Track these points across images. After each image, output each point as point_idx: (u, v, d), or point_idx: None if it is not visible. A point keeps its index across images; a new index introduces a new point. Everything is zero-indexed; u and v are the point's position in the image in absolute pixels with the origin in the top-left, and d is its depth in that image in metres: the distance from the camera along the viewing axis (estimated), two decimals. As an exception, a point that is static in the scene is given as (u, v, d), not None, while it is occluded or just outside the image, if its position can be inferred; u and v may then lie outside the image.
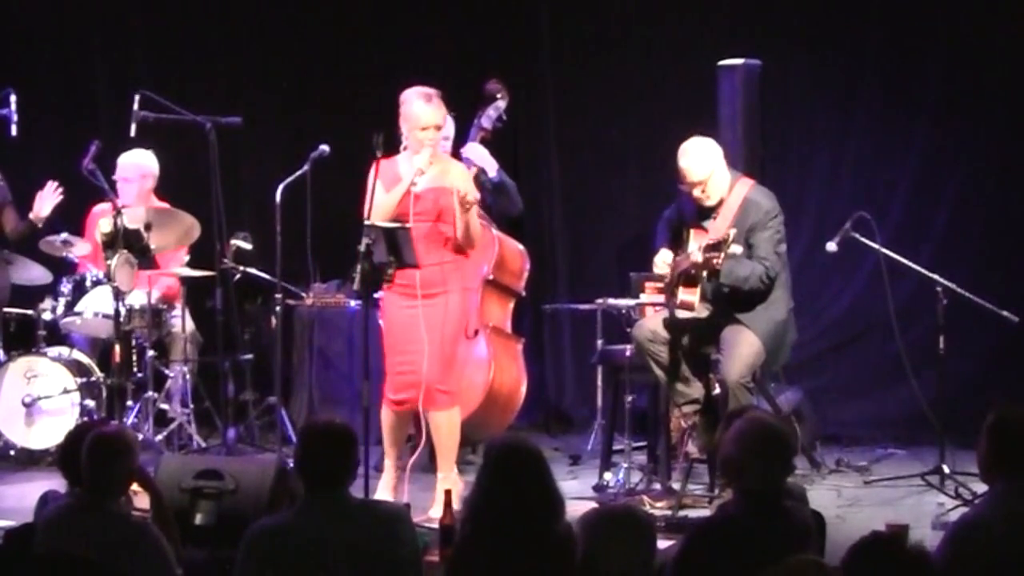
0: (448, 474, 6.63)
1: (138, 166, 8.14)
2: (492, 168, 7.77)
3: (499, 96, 7.86)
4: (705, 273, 6.57)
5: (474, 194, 6.57)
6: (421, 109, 6.55)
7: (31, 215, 7.99)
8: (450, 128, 7.67)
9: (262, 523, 4.44)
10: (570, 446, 8.36)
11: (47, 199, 7.97)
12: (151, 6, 9.60)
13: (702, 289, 6.66)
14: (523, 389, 7.71)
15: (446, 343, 6.60)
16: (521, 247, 7.86)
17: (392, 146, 6.76)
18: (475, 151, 7.76)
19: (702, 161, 6.79)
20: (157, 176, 8.25)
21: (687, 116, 7.33)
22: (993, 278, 8.20)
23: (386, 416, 6.68)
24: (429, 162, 6.53)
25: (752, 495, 4.27)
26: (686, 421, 6.93)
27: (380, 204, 6.52)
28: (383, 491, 6.66)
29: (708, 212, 6.85)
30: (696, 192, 6.80)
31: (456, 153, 7.72)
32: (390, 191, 6.53)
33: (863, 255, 7.76)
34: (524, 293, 7.93)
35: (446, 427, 6.64)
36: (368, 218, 6.47)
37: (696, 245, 6.62)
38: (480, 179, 7.79)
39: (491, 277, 7.63)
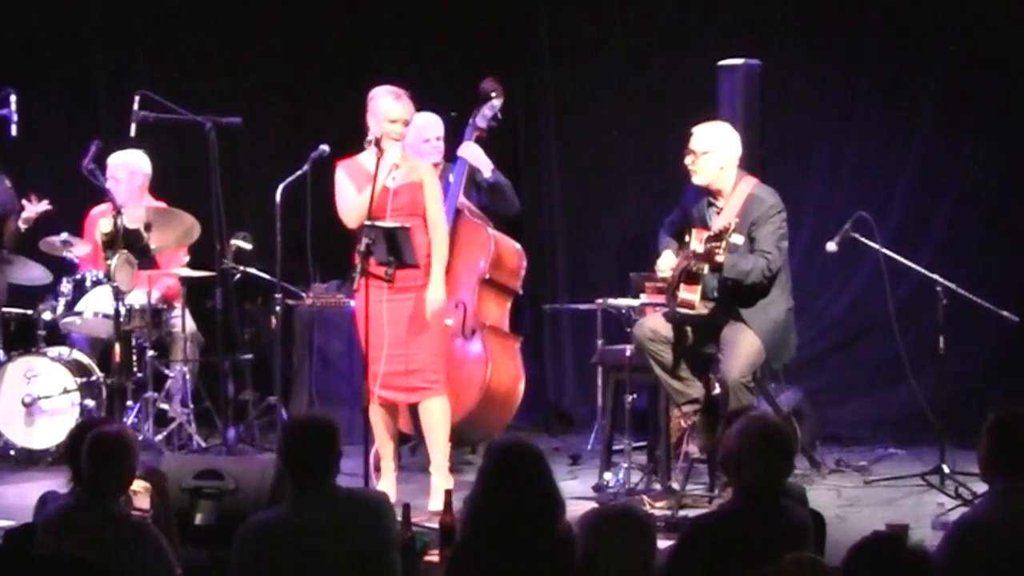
0: (439, 468, 6.67)
1: (125, 164, 8.14)
2: (487, 168, 7.77)
3: (494, 95, 7.84)
4: (707, 267, 6.57)
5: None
6: (389, 104, 6.65)
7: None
8: (439, 128, 7.68)
9: (255, 518, 4.50)
10: (570, 446, 8.36)
11: (32, 210, 7.97)
12: (151, 6, 9.60)
13: (703, 287, 6.66)
14: (521, 387, 7.70)
15: (429, 334, 6.62)
16: (518, 246, 7.84)
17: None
18: (470, 151, 7.75)
19: (709, 137, 6.85)
20: (148, 174, 8.24)
21: (687, 116, 7.31)
22: (993, 278, 8.20)
23: (375, 412, 6.71)
24: (402, 156, 6.59)
25: (751, 492, 4.28)
26: (686, 421, 6.93)
27: (354, 204, 6.57)
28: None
29: (712, 207, 6.86)
30: (687, 159, 6.85)
31: (451, 153, 7.73)
32: (362, 190, 6.56)
33: (863, 255, 7.76)
34: (521, 291, 7.91)
35: (435, 416, 6.69)
36: (340, 218, 6.54)
37: (698, 241, 6.62)
38: (476, 179, 7.80)
39: (488, 276, 7.62)
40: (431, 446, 6.73)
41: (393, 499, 6.47)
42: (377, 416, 6.73)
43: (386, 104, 6.64)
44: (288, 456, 4.49)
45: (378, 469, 6.83)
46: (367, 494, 4.69)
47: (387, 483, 6.73)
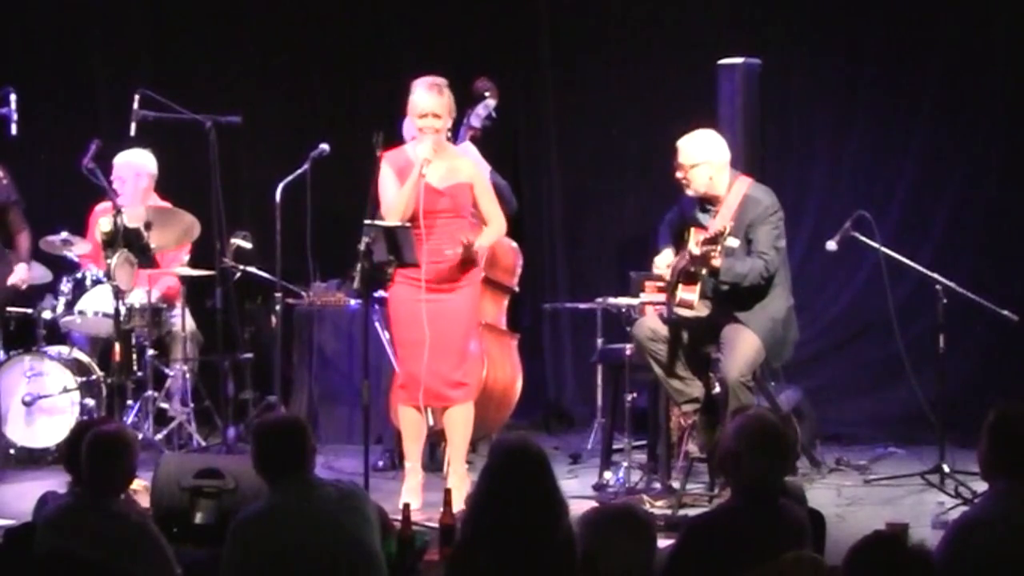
0: (460, 469, 6.63)
1: (131, 165, 8.13)
2: (483, 169, 7.75)
3: (487, 94, 7.83)
4: (704, 270, 6.57)
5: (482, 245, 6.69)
6: (420, 97, 6.57)
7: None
8: None
9: (242, 514, 4.54)
10: (570, 445, 8.36)
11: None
12: (151, 5, 9.60)
13: (702, 287, 6.65)
14: (519, 385, 7.68)
15: (461, 337, 6.64)
16: (513, 244, 7.83)
17: (392, 145, 6.76)
18: (464, 151, 7.75)
19: (696, 149, 6.81)
20: (154, 175, 8.24)
21: (687, 116, 7.31)
22: (993, 277, 8.21)
23: (405, 413, 6.68)
24: (433, 150, 6.51)
25: (749, 491, 4.28)
26: (686, 420, 6.93)
27: (394, 201, 6.52)
28: (409, 494, 6.50)
29: (708, 211, 6.86)
30: (678, 174, 6.83)
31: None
32: (404, 184, 6.52)
33: (863, 254, 7.76)
34: (517, 289, 7.90)
35: (464, 422, 6.67)
36: (383, 215, 6.49)
37: (695, 242, 6.62)
38: None
39: (483, 274, 7.60)
40: (455, 450, 6.69)
41: (420, 501, 6.45)
42: (411, 416, 6.67)
43: (417, 97, 6.55)
44: (257, 457, 4.55)
45: (374, 468, 6.82)
46: (345, 484, 4.73)
47: (413, 483, 6.65)
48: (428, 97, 6.54)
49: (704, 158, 6.80)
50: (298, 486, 4.48)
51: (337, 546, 4.40)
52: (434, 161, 6.53)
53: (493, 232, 6.80)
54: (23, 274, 8.01)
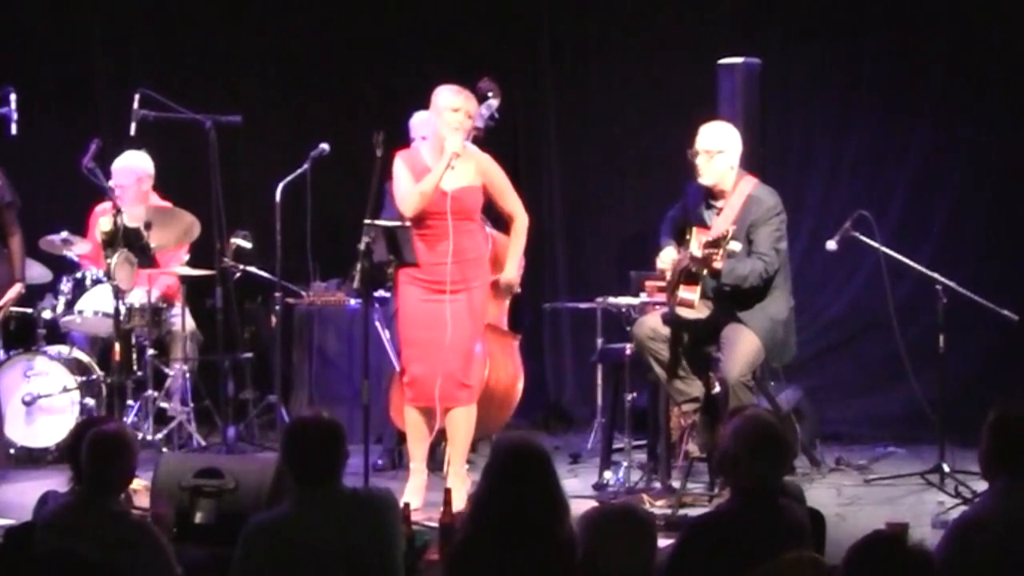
0: (460, 470, 6.63)
1: (132, 170, 8.11)
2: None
3: (490, 95, 7.82)
4: (706, 271, 6.56)
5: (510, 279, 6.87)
6: (449, 95, 6.63)
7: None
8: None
9: (259, 518, 4.48)
10: (570, 444, 8.36)
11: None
12: (151, 5, 9.60)
13: (702, 287, 6.65)
14: (520, 386, 7.67)
15: (471, 338, 6.65)
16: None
17: (392, 145, 6.76)
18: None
19: (719, 136, 6.83)
20: (152, 175, 8.24)
21: (687, 116, 7.32)
22: (992, 277, 8.20)
23: (410, 413, 6.68)
24: (463, 145, 6.54)
25: (748, 492, 4.28)
26: (686, 420, 6.93)
27: (410, 194, 6.53)
28: (412, 494, 6.50)
29: (712, 208, 6.85)
30: (698, 159, 6.81)
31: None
32: (420, 181, 6.53)
33: (863, 254, 7.76)
34: (520, 290, 7.89)
35: (466, 423, 6.66)
36: (398, 206, 6.52)
37: (697, 243, 6.62)
38: None
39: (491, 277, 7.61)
40: (458, 451, 6.68)
41: (421, 501, 6.45)
42: (416, 417, 6.67)
43: (446, 96, 6.63)
44: (291, 458, 4.45)
45: (375, 468, 6.81)
46: (372, 493, 4.64)
47: (416, 484, 6.65)
48: (459, 97, 6.63)
49: (727, 146, 6.81)
50: (323, 494, 4.38)
51: (354, 561, 4.31)
52: (462, 154, 6.56)
53: (516, 253, 6.88)
54: (13, 294, 7.93)
